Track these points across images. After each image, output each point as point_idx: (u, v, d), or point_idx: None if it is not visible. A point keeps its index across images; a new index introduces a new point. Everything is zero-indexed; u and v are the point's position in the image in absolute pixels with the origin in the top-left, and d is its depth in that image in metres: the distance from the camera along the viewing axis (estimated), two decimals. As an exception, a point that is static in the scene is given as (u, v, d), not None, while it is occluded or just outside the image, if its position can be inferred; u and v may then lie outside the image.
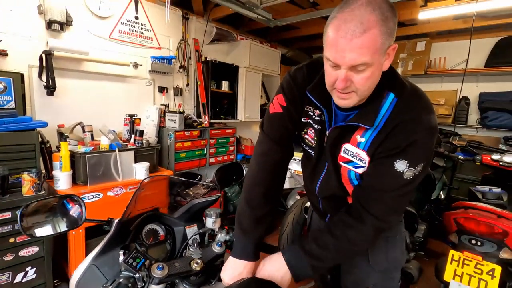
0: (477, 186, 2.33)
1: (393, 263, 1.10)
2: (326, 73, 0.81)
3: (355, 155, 0.88)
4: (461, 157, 2.68)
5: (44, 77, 2.15)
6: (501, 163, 2.32)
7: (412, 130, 0.79)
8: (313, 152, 1.00)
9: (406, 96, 0.82)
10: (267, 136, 0.98)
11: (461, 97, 3.78)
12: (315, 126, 0.95)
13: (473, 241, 1.82)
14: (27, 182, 1.68)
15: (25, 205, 0.79)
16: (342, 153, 0.91)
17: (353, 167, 0.90)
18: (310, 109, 0.96)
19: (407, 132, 0.79)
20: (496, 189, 2.16)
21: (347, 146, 0.89)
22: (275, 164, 0.98)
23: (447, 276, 1.78)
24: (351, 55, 0.70)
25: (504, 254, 1.74)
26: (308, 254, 0.88)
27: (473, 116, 3.84)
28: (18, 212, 0.75)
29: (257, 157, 1.00)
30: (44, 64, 2.13)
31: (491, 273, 1.65)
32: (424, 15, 2.89)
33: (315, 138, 0.97)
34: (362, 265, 1.08)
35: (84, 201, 0.93)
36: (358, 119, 0.83)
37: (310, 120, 0.97)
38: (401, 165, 0.80)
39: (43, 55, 2.12)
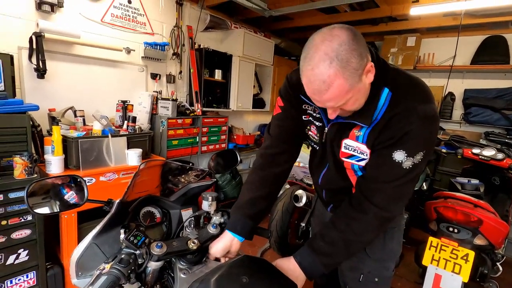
0: (457, 177, 2.46)
1: (389, 253, 1.14)
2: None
3: (355, 149, 0.91)
4: (444, 150, 2.80)
5: (34, 60, 2.11)
6: (480, 156, 2.44)
7: (406, 121, 0.80)
8: (318, 147, 1.07)
9: (401, 88, 0.83)
10: (269, 135, 1.11)
11: (447, 93, 3.91)
12: (316, 123, 1.01)
13: (451, 229, 1.94)
14: (19, 165, 1.67)
15: (31, 182, 0.81)
16: (343, 149, 0.94)
17: (356, 160, 0.93)
18: (308, 107, 1.01)
19: (402, 122, 0.80)
20: (474, 181, 2.29)
21: (346, 142, 0.92)
22: (274, 156, 1.08)
23: (426, 260, 1.90)
24: (328, 104, 0.78)
25: (478, 241, 1.87)
26: (317, 252, 0.91)
27: (458, 111, 3.98)
28: (25, 190, 0.77)
29: (260, 150, 1.13)
30: (34, 46, 2.08)
31: (465, 257, 1.78)
32: (415, 11, 2.95)
33: (317, 134, 1.02)
34: (359, 252, 1.10)
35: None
36: (357, 117, 0.85)
37: (311, 118, 1.02)
38: (399, 156, 0.82)
39: (33, 37, 2.07)
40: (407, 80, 0.86)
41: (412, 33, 4.03)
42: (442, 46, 4.03)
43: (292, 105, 1.04)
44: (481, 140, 3.43)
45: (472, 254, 1.76)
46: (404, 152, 0.81)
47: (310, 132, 1.06)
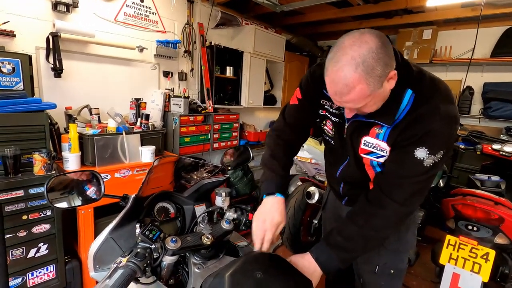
0: (476, 174, 2.38)
1: (403, 244, 1.15)
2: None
3: (375, 146, 0.93)
4: (462, 146, 2.72)
5: (51, 59, 2.17)
6: (501, 152, 2.35)
7: (430, 120, 0.82)
8: (333, 142, 1.10)
9: (424, 89, 0.85)
10: (283, 119, 1.16)
11: (465, 87, 3.78)
12: (333, 118, 1.04)
13: (470, 227, 1.88)
14: (38, 162, 1.73)
15: (50, 178, 0.83)
16: (362, 146, 0.96)
17: (375, 157, 0.95)
18: (326, 103, 1.04)
19: (425, 121, 0.82)
20: (495, 178, 2.21)
21: (366, 139, 0.94)
22: (287, 141, 1.15)
23: (443, 259, 1.85)
24: (347, 105, 0.82)
25: (499, 239, 1.81)
26: (335, 247, 0.91)
27: (477, 106, 3.84)
28: (45, 185, 0.79)
29: (275, 131, 1.17)
30: (51, 46, 2.14)
31: (485, 257, 1.72)
32: (432, 2, 2.85)
33: (333, 130, 1.06)
34: (376, 247, 1.10)
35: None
36: (378, 116, 0.87)
37: (327, 113, 1.06)
38: (421, 153, 0.83)
39: (50, 37, 2.12)
40: (430, 82, 0.87)
41: (428, 26, 3.91)
42: (460, 38, 3.89)
43: (307, 98, 1.08)
44: (501, 135, 3.30)
45: (492, 253, 1.70)
46: (426, 149, 0.82)
47: (325, 127, 1.10)
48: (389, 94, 0.84)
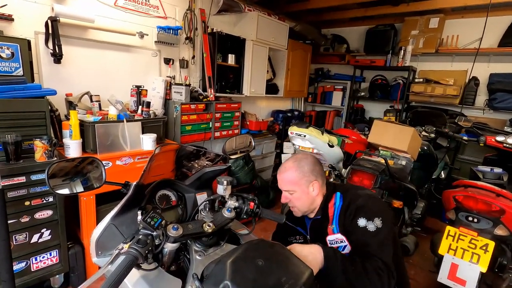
0: (478, 166, 2.37)
1: None
2: None
3: (336, 241, 1.17)
4: (465, 137, 2.70)
5: (50, 44, 2.13)
6: (505, 144, 2.33)
7: (355, 201, 1.17)
8: None
9: (346, 190, 1.24)
10: None
11: (470, 77, 3.72)
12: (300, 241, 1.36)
13: (470, 218, 1.88)
14: (40, 148, 1.72)
15: (51, 164, 0.82)
16: (329, 245, 1.19)
17: (341, 250, 1.15)
18: (293, 238, 1.38)
19: (353, 201, 1.17)
20: (497, 170, 2.20)
21: (329, 238, 1.20)
22: None
23: (442, 250, 1.86)
24: (282, 185, 1.24)
25: (498, 231, 1.81)
26: (340, 254, 1.05)
27: (481, 97, 3.79)
28: (46, 171, 0.79)
29: None
30: (50, 31, 2.10)
31: (484, 247, 1.73)
32: (440, -11, 2.77)
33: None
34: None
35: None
36: (319, 214, 1.24)
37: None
38: (362, 222, 1.10)
39: (49, 21, 2.08)
40: (351, 186, 1.36)
41: (435, 14, 3.81)
42: (467, 27, 3.80)
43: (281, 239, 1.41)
44: (505, 127, 3.27)
45: (492, 244, 1.71)
46: (364, 218, 1.10)
47: None
48: (322, 200, 1.24)
